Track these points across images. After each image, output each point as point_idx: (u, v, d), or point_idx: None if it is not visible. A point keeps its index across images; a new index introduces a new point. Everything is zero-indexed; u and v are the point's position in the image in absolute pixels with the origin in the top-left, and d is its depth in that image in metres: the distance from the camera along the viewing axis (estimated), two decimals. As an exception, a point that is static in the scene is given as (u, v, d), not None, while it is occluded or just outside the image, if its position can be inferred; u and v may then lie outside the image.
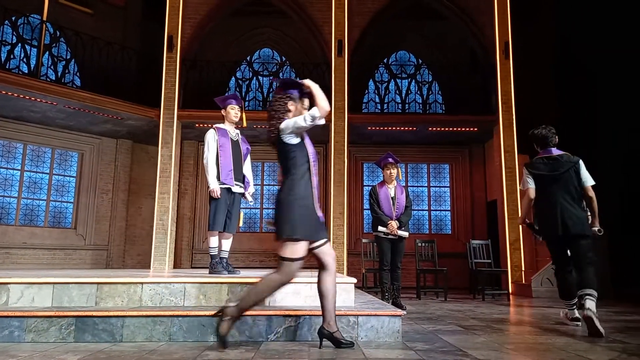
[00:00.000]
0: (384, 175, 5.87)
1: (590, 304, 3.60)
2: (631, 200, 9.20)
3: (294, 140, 3.00)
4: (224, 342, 2.78)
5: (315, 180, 3.00)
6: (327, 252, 2.96)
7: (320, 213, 2.99)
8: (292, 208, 2.86)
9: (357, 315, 3.21)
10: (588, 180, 4.11)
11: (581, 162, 4.13)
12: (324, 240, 2.97)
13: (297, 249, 2.83)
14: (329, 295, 2.91)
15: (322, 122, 2.99)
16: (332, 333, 2.89)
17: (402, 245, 5.72)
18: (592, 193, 4.12)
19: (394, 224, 5.58)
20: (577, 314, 4.11)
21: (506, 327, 4.14)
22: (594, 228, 4.08)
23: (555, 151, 4.24)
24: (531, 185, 4.17)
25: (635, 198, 9.11)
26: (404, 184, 11.40)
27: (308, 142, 3.07)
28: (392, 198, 5.74)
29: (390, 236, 5.63)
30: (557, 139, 4.26)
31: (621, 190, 9.47)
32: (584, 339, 3.39)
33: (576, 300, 4.02)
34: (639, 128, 9.04)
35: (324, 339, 2.90)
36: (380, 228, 5.64)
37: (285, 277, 2.85)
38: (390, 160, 5.80)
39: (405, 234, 5.67)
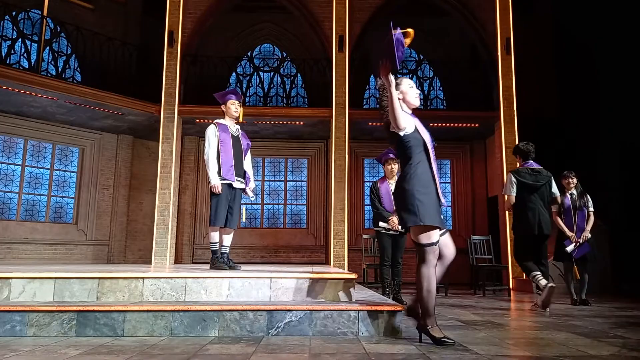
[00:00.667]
0: (385, 171, 5.86)
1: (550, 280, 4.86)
2: (632, 195, 9.18)
3: (407, 130, 2.96)
4: (443, 342, 2.81)
5: (434, 167, 2.95)
6: (448, 243, 2.98)
7: (443, 199, 2.96)
8: (415, 196, 2.85)
9: (358, 310, 3.22)
10: (557, 192, 5.45)
11: (552, 177, 5.28)
12: (445, 230, 2.97)
13: (431, 234, 2.86)
14: (429, 291, 2.88)
15: (403, 129, 2.94)
16: (428, 328, 2.88)
17: (403, 241, 5.73)
18: (559, 201, 5.71)
19: (395, 219, 5.58)
20: (543, 282, 4.83)
21: (507, 322, 4.15)
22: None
23: (535, 164, 5.25)
24: (513, 193, 5.19)
25: (636, 193, 9.09)
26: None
27: (422, 130, 3.01)
28: (393, 193, 5.74)
29: (391, 232, 5.64)
30: (534, 154, 5.33)
31: (622, 186, 9.46)
32: (584, 335, 3.39)
33: (538, 271, 4.99)
34: (640, 123, 9.02)
35: (423, 334, 2.92)
36: (381, 224, 5.64)
37: (431, 262, 2.87)
38: (391, 155, 5.79)
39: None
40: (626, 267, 8.64)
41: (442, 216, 2.99)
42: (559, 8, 10.85)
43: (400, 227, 5.60)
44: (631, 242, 8.70)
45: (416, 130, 2.98)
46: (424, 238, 2.88)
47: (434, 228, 2.86)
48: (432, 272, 2.88)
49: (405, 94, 3.06)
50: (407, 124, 2.95)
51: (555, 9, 11.02)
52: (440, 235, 2.94)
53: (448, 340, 2.82)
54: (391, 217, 5.58)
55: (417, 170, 2.91)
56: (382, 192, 5.73)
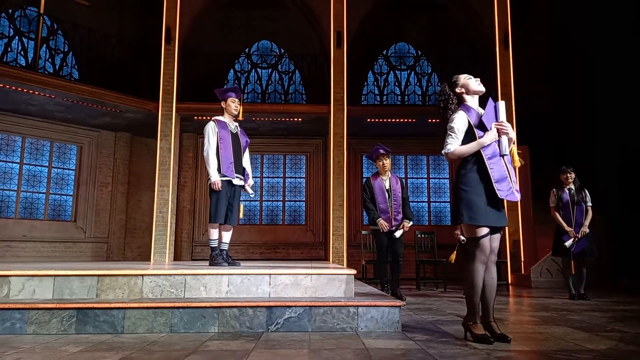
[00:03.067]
0: (377, 167, 5.82)
1: None
2: (630, 190, 9.22)
3: (458, 149, 2.99)
4: (486, 340, 2.80)
5: (493, 162, 2.89)
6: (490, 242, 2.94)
7: (504, 195, 2.86)
8: (459, 195, 2.93)
9: (357, 306, 3.23)
10: None
11: None
12: (494, 227, 2.92)
13: (474, 230, 2.88)
14: (472, 287, 2.92)
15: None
16: (469, 324, 2.92)
17: (401, 236, 5.68)
18: None
19: (383, 222, 5.56)
20: None
21: (505, 317, 4.17)
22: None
23: None
24: None
25: (634, 188, 9.13)
26: (402, 176, 11.41)
27: (487, 122, 3.00)
28: (387, 190, 5.67)
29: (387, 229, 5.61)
30: None
31: (620, 181, 9.49)
32: (582, 329, 3.41)
33: None
34: (638, 116, 9.05)
35: (466, 331, 2.95)
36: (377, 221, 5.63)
37: (476, 258, 2.88)
38: (382, 151, 5.72)
39: (399, 233, 5.63)
40: (624, 261, 8.67)
41: (496, 214, 2.91)
42: (557, 5, 10.82)
43: (387, 227, 5.59)
44: (629, 237, 8.73)
45: (470, 130, 2.97)
46: (467, 233, 2.96)
47: (477, 225, 2.87)
48: (476, 268, 2.90)
49: (468, 85, 3.15)
50: (457, 144, 2.97)
51: (553, 6, 10.99)
52: (492, 233, 2.92)
53: (488, 339, 2.79)
54: (380, 220, 5.55)
55: (467, 171, 2.95)
56: (376, 189, 5.68)
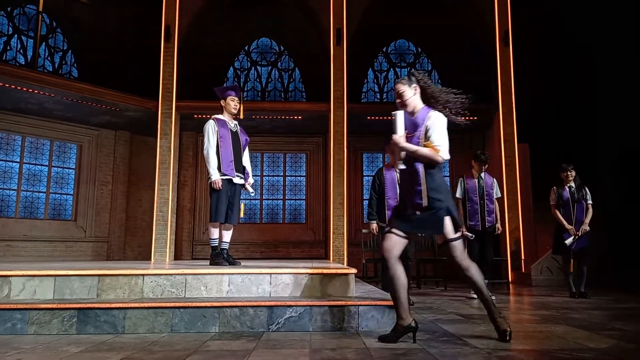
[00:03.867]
0: (390, 160, 5.59)
1: None
2: (628, 187, 9.23)
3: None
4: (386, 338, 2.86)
5: (388, 180, 3.18)
6: (452, 249, 3.05)
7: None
8: None
9: (358, 305, 3.23)
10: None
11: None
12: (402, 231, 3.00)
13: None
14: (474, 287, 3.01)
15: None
16: (495, 319, 2.94)
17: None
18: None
19: (374, 226, 5.38)
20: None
21: (506, 315, 4.16)
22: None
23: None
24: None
25: (632, 185, 9.14)
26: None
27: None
28: (399, 184, 5.45)
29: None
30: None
31: (620, 175, 9.51)
32: (582, 327, 3.41)
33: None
34: (637, 112, 9.04)
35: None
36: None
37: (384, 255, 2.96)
38: None
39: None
40: (623, 259, 8.67)
41: (409, 219, 2.99)
42: (559, 2, 10.80)
43: (377, 232, 5.47)
44: (628, 235, 8.73)
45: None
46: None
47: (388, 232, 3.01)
48: (390, 269, 2.91)
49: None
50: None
51: (554, 2, 10.96)
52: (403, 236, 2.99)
53: (387, 335, 2.83)
54: (372, 224, 5.36)
55: None
56: (387, 182, 5.26)
